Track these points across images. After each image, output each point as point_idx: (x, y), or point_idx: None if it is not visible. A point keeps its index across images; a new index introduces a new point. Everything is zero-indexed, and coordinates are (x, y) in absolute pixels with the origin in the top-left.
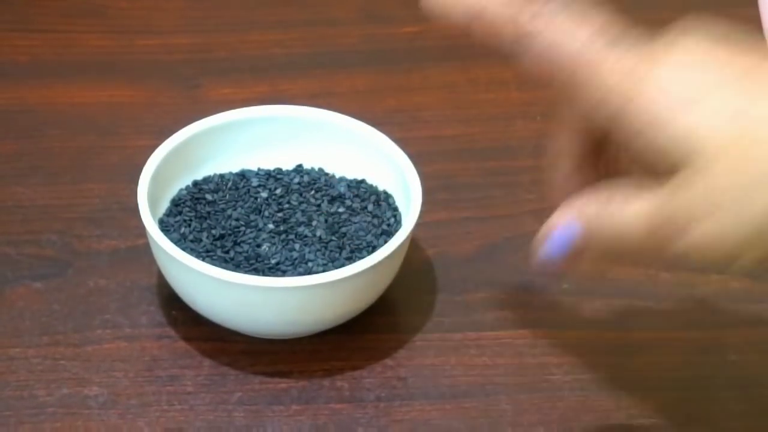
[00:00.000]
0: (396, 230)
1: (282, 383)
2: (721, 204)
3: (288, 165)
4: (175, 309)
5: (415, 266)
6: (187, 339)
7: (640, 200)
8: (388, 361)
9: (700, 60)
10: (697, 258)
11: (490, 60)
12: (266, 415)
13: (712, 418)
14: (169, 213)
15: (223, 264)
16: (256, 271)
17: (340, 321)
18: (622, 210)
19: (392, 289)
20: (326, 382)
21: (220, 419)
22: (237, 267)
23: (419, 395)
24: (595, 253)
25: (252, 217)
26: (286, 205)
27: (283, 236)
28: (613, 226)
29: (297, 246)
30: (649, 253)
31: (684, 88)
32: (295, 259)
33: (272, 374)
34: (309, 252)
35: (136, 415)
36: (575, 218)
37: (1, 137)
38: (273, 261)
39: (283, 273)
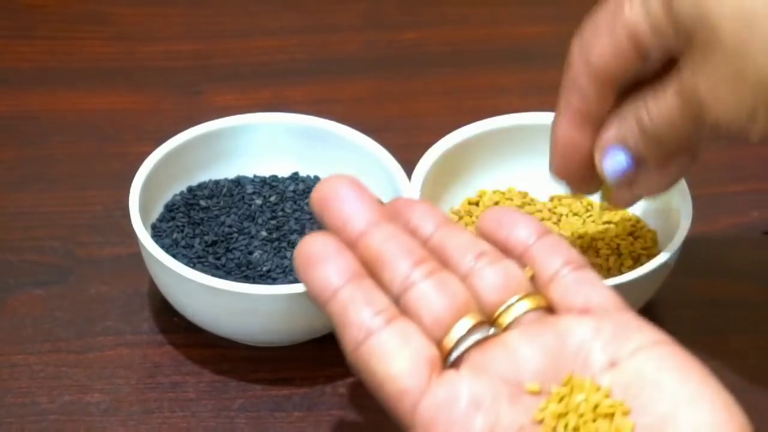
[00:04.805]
0: None
1: (284, 390)
2: (732, 73)
3: (284, 172)
4: (177, 315)
5: None
6: (188, 345)
7: (667, 92)
8: None
9: None
10: (728, 129)
11: (491, 66)
12: (268, 422)
13: None
14: (162, 218)
15: (214, 270)
16: (247, 279)
17: (329, 330)
18: (654, 110)
19: None
20: (328, 388)
21: (222, 426)
22: (228, 274)
23: None
24: (654, 154)
25: (245, 224)
26: (280, 213)
27: (276, 244)
28: (654, 127)
29: (289, 254)
30: (693, 136)
31: None
32: (286, 267)
33: (274, 381)
34: None
35: (138, 422)
36: (617, 139)
37: (4, 144)
38: (264, 269)
39: (274, 281)
